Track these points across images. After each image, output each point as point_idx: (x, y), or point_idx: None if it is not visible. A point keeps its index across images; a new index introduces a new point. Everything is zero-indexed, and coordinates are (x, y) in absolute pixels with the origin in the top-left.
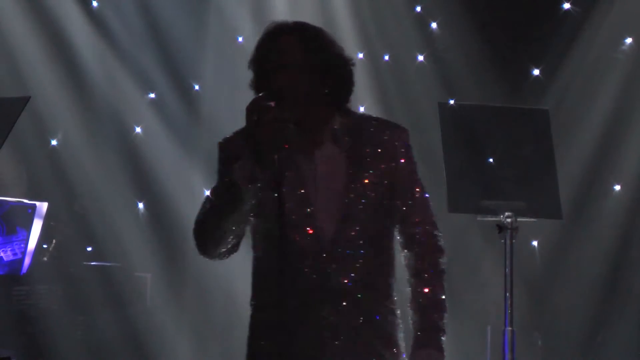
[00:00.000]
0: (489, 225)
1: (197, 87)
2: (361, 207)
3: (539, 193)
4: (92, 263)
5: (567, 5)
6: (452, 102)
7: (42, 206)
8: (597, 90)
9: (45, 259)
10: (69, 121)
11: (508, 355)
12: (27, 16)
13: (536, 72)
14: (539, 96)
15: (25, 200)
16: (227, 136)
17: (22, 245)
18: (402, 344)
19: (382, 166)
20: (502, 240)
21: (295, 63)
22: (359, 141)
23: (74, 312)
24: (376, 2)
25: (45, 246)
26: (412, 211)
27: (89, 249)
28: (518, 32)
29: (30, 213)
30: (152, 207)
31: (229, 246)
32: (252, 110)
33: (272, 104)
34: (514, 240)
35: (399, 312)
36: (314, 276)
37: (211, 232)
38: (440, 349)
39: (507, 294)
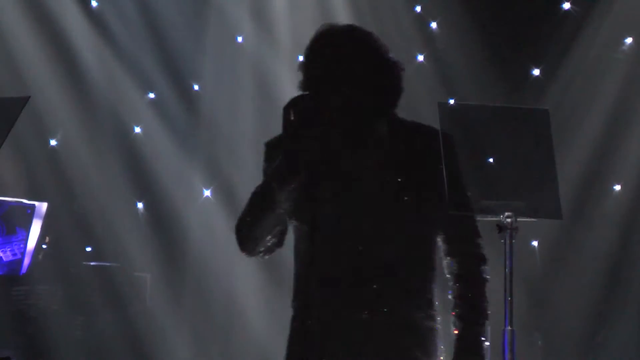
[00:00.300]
0: (488, 225)
1: (196, 87)
2: (400, 211)
3: (539, 193)
4: (92, 263)
5: (567, 5)
6: (451, 102)
7: (42, 206)
8: (597, 90)
9: (40, 256)
10: (69, 121)
11: (508, 355)
12: (26, 16)
13: (536, 72)
14: (539, 96)
15: (25, 201)
16: (274, 137)
17: (22, 246)
18: (439, 350)
19: (423, 172)
20: (502, 240)
21: (344, 66)
22: (402, 146)
23: (74, 312)
24: (375, 2)
25: (44, 246)
26: (453, 218)
27: (89, 249)
28: (518, 32)
29: (29, 213)
30: (151, 207)
31: (268, 244)
32: (289, 110)
33: (309, 104)
34: (513, 240)
35: (439, 318)
36: (350, 279)
37: (248, 231)
38: (482, 358)
39: (507, 294)
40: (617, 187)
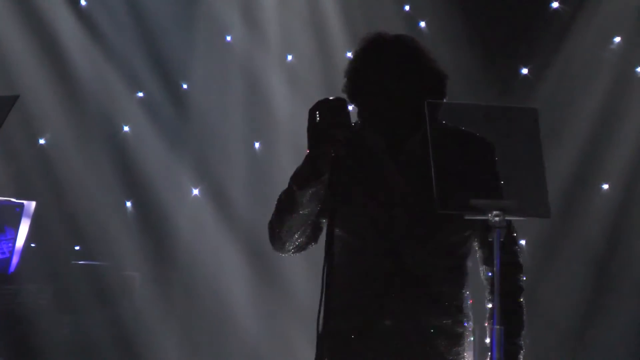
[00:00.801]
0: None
1: (185, 86)
2: (432, 217)
3: (528, 192)
4: (81, 262)
5: (555, 4)
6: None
7: (30, 205)
8: (586, 89)
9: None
10: (58, 120)
11: (496, 354)
12: (15, 15)
13: (525, 71)
14: (528, 95)
15: (13, 199)
16: None
17: (10, 244)
18: (465, 357)
19: None
20: (490, 239)
21: (393, 73)
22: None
23: (62, 311)
24: (365, 1)
25: (33, 245)
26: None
27: (77, 247)
28: (507, 31)
29: (18, 212)
30: (140, 206)
31: (297, 243)
32: (315, 112)
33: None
34: (502, 239)
35: (470, 323)
36: (378, 282)
37: (275, 231)
38: None
39: (496, 293)
40: (605, 186)
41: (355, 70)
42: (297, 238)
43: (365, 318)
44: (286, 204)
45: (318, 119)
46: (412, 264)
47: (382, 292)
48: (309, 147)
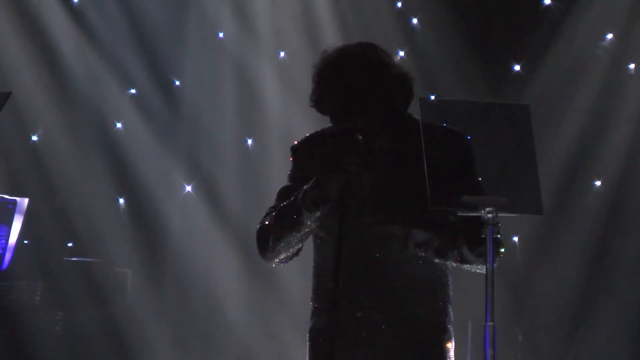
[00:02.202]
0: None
1: (177, 83)
2: (410, 211)
3: (520, 189)
4: (73, 259)
5: (547, 1)
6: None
7: (23, 202)
8: (578, 85)
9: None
10: (50, 117)
11: (489, 351)
12: (7, 11)
13: (517, 67)
14: (520, 91)
15: (6, 196)
16: (299, 140)
17: (3, 241)
18: (449, 347)
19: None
20: (483, 236)
21: (360, 79)
22: (413, 147)
23: (54, 308)
24: None
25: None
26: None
27: (70, 244)
28: (499, 27)
29: (10, 209)
30: (132, 202)
31: (288, 254)
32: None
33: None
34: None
35: (451, 317)
36: (366, 278)
37: (272, 243)
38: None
39: (488, 289)
40: (598, 183)
41: (320, 78)
42: (291, 253)
43: (341, 313)
44: (289, 222)
45: (329, 148)
46: (382, 254)
47: (353, 286)
48: (320, 175)
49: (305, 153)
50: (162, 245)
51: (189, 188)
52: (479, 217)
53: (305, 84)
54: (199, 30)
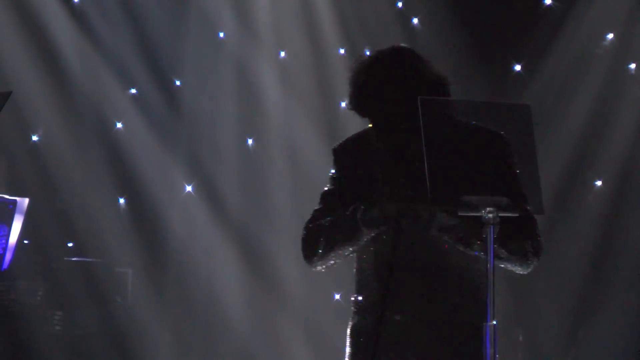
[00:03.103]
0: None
1: (178, 83)
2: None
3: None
4: (73, 259)
5: (548, 1)
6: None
7: (23, 202)
8: (579, 85)
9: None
10: (50, 117)
11: (489, 350)
12: (7, 11)
13: (518, 67)
14: (521, 91)
15: (6, 196)
16: (341, 142)
17: (3, 241)
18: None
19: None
20: (484, 236)
21: (397, 84)
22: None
23: (55, 308)
24: None
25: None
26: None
27: (70, 244)
28: (499, 27)
29: (11, 209)
30: (133, 202)
31: (337, 262)
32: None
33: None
34: (495, 236)
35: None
36: (410, 282)
37: (322, 252)
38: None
39: (489, 289)
40: (599, 183)
41: (357, 83)
42: (340, 261)
43: (377, 314)
44: (343, 236)
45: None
46: (427, 259)
47: (395, 289)
48: (379, 199)
49: (346, 156)
50: (162, 245)
51: (189, 188)
52: (518, 215)
53: (306, 84)
54: (200, 30)
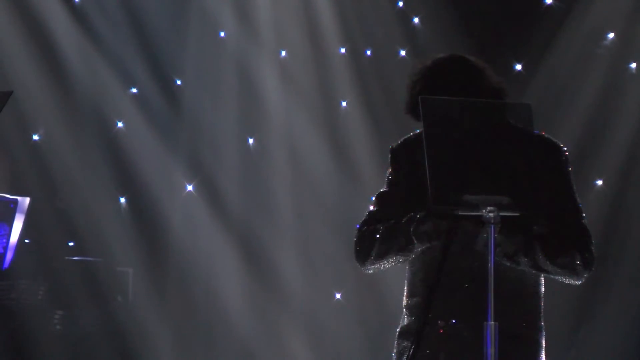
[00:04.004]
0: None
1: (179, 82)
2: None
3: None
4: (74, 258)
5: (549, 0)
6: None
7: (24, 201)
8: (580, 85)
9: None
10: (51, 116)
11: (490, 350)
12: (7, 10)
13: (518, 67)
14: (522, 91)
15: (7, 195)
16: (400, 142)
17: (4, 240)
18: (541, 354)
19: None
20: (485, 235)
21: (455, 90)
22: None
23: (56, 307)
24: None
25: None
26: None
27: (71, 243)
28: (500, 26)
29: (12, 208)
30: (134, 201)
31: (387, 266)
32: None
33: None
34: (496, 235)
35: (542, 331)
36: (454, 287)
37: (375, 257)
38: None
39: (490, 289)
40: (599, 182)
41: (415, 89)
42: (390, 266)
43: (422, 319)
44: (397, 246)
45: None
46: (472, 265)
47: (441, 295)
48: (434, 215)
49: (403, 156)
50: (163, 245)
51: (190, 187)
52: (568, 228)
53: (307, 83)
54: (200, 30)
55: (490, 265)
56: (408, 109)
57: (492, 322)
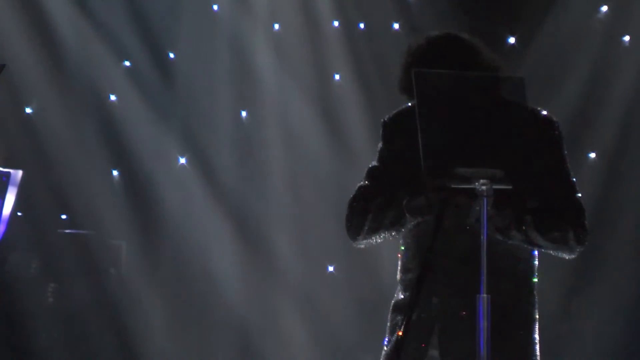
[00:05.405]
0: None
1: (172, 56)
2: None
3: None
4: (67, 231)
5: None
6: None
7: (17, 174)
8: (573, 58)
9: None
10: (44, 89)
11: (483, 322)
12: None
13: (512, 40)
14: (515, 64)
15: (0, 168)
16: (391, 115)
17: None
18: (535, 338)
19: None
20: (477, 208)
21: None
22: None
23: (48, 280)
24: None
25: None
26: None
27: (64, 217)
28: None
29: (5, 181)
30: (126, 174)
31: (379, 240)
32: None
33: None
34: (488, 208)
35: (536, 306)
36: (448, 264)
37: (367, 231)
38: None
39: (482, 261)
40: (592, 155)
41: (412, 65)
42: (382, 240)
43: (414, 294)
44: (389, 220)
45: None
46: (466, 242)
47: (430, 269)
48: (427, 190)
49: (396, 130)
50: (156, 217)
51: (183, 160)
52: (561, 203)
53: (300, 56)
54: (193, 3)
55: (483, 238)
56: (403, 89)
57: (485, 295)
